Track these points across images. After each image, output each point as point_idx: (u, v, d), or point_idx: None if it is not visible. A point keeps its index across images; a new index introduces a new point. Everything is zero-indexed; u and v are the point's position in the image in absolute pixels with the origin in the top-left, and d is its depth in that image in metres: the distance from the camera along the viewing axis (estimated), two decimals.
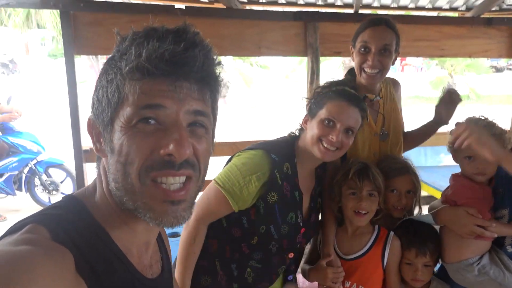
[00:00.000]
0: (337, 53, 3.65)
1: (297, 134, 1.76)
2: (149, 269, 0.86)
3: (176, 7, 3.15)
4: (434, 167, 4.31)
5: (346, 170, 1.75)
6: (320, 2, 3.69)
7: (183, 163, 0.73)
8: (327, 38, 3.49)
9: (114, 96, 0.72)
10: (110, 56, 0.76)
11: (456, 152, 1.72)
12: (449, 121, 1.98)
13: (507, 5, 3.79)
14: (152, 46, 0.69)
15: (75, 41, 3.05)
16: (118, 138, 0.71)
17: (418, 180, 1.87)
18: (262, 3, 3.66)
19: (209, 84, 0.78)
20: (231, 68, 16.01)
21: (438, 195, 3.09)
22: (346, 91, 1.61)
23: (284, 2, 3.66)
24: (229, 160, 1.69)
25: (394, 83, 2.14)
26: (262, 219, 1.61)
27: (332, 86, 1.64)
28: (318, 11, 3.52)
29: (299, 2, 3.69)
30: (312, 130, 1.60)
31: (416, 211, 1.90)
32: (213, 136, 0.84)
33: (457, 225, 1.67)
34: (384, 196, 1.79)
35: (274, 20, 3.37)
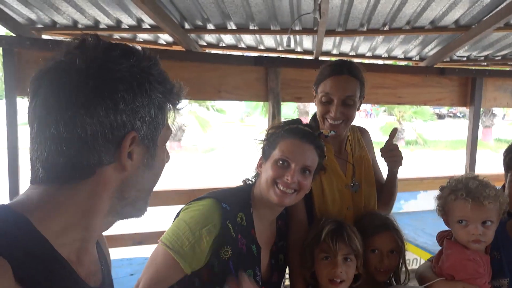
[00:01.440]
0: (298, 98, 3.60)
1: (253, 180, 1.61)
2: (93, 277, 0.83)
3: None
4: (395, 213, 4.27)
5: (318, 230, 1.58)
6: (280, 48, 3.67)
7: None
8: (288, 83, 3.45)
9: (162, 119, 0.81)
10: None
11: (447, 216, 1.56)
12: (401, 164, 1.89)
13: (457, 56, 3.96)
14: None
15: (19, 81, 2.80)
16: (160, 155, 0.84)
17: (402, 238, 1.69)
18: (222, 47, 3.59)
19: None
20: (187, 112, 15.87)
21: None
22: (299, 128, 1.52)
23: (244, 46, 3.62)
24: (177, 215, 1.50)
25: (362, 131, 2.04)
26: (216, 280, 1.42)
27: (285, 125, 1.55)
28: (279, 57, 3.49)
29: (259, 47, 3.66)
30: (266, 172, 1.48)
31: (402, 277, 1.73)
32: None
33: None
34: (365, 257, 1.61)
35: (235, 64, 3.29)
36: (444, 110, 34.89)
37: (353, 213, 1.81)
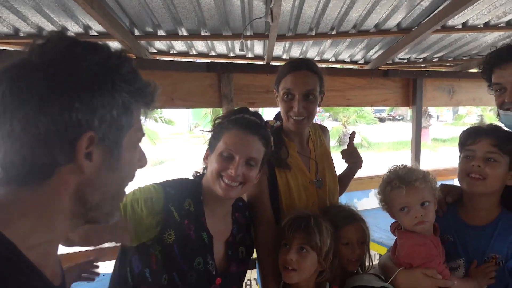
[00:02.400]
0: (251, 103, 3.62)
1: (202, 173, 1.60)
2: (56, 277, 0.81)
3: None
4: None
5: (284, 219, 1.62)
6: (232, 54, 3.69)
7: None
8: (241, 89, 3.47)
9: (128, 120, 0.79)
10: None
11: (389, 207, 1.64)
12: (361, 166, 2.02)
13: (399, 58, 4.19)
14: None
15: None
16: (128, 158, 0.81)
17: (368, 227, 1.75)
18: (173, 54, 3.54)
19: None
20: None
21: None
22: (244, 118, 1.51)
23: (196, 53, 3.60)
24: None
25: (323, 129, 2.09)
26: (163, 267, 1.39)
27: (230, 115, 1.54)
28: (231, 62, 3.50)
29: (211, 54, 3.66)
30: (212, 165, 1.46)
31: (367, 263, 1.78)
32: None
33: None
34: (337, 250, 1.63)
35: (187, 71, 3.26)
36: (384, 113, 36.66)
37: (318, 208, 1.85)
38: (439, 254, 1.57)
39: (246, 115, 1.53)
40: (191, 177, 1.62)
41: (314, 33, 3.11)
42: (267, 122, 1.61)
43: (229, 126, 1.48)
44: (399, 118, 38.37)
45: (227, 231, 1.59)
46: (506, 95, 1.56)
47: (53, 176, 0.71)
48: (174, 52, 3.54)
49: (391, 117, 38.42)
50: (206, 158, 1.54)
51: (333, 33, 3.13)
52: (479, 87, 4.63)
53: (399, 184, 1.56)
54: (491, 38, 3.49)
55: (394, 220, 1.73)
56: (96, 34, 2.95)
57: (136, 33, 2.98)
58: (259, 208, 1.72)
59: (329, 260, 1.57)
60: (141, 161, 0.86)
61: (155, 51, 3.48)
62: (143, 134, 0.85)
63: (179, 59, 3.60)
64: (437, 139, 22.35)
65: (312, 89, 1.76)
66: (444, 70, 4.65)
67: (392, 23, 2.96)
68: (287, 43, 3.41)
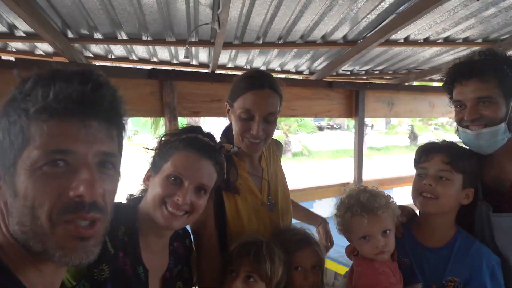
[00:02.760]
0: (195, 113, 3.47)
1: (138, 195, 1.41)
2: None
3: (3, 58, 2.56)
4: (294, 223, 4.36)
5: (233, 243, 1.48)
6: (175, 61, 3.52)
7: (92, 206, 0.74)
8: (184, 97, 3.31)
9: (18, 138, 0.72)
10: (9, 97, 0.75)
11: (348, 234, 1.57)
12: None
13: (342, 70, 4.25)
14: (59, 87, 0.71)
15: None
16: (23, 181, 0.71)
17: (323, 252, 1.64)
18: (111, 59, 3.31)
19: (117, 123, 0.82)
20: None
21: None
22: (198, 139, 1.34)
23: (136, 59, 3.39)
24: None
25: (278, 144, 1.95)
26: None
27: (182, 133, 1.36)
28: (174, 70, 3.33)
29: (152, 60, 3.46)
30: (155, 189, 1.27)
31: None
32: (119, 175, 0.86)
33: None
34: (289, 276, 1.52)
35: (127, 77, 3.03)
36: (323, 122, 37.83)
37: (270, 232, 1.70)
38: (398, 281, 1.51)
39: (200, 136, 1.36)
40: (124, 201, 1.42)
41: (261, 42, 3.04)
42: (222, 145, 1.44)
43: (179, 146, 1.30)
44: (337, 127, 39.83)
45: (164, 265, 1.39)
46: (466, 112, 1.54)
47: None
48: (112, 57, 3.31)
49: (329, 126, 39.75)
50: (147, 179, 1.35)
51: (280, 42, 3.07)
52: (415, 99, 4.85)
53: (361, 212, 1.48)
54: (429, 53, 3.63)
55: (338, 234, 1.66)
56: (23, 34, 2.66)
57: (70, 35, 2.73)
58: (203, 236, 1.55)
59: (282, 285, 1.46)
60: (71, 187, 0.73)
61: (91, 55, 3.23)
62: (43, 152, 0.71)
63: (117, 64, 3.37)
64: (372, 148, 23.38)
65: (274, 111, 1.60)
66: (384, 82, 4.80)
67: (338, 35, 2.96)
68: (233, 51, 3.31)
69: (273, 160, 1.86)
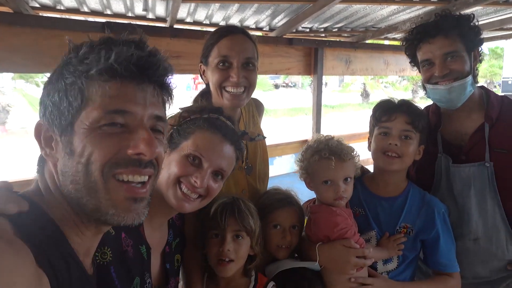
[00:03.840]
0: None
1: None
2: (89, 268, 0.89)
3: None
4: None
5: (209, 206, 1.42)
6: (130, 14, 3.33)
7: (148, 163, 0.81)
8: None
9: (76, 98, 0.75)
10: (63, 61, 0.79)
11: (311, 177, 1.62)
12: None
13: (302, 27, 4.22)
14: (120, 50, 0.77)
15: None
16: (81, 140, 0.75)
17: (303, 213, 1.67)
18: (60, 10, 3.07)
19: (167, 90, 0.88)
20: (10, 89, 13.61)
21: None
22: (222, 122, 1.28)
23: (87, 11, 3.17)
24: None
25: (258, 105, 1.90)
26: None
27: (204, 112, 1.30)
28: (130, 23, 3.17)
29: (106, 12, 3.26)
30: (170, 166, 1.21)
31: None
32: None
33: (340, 264, 1.50)
34: (266, 233, 1.55)
35: (79, 31, 2.85)
36: (279, 80, 37.92)
37: (249, 195, 1.71)
38: (354, 224, 1.61)
39: (223, 118, 1.30)
40: None
41: None
42: (246, 133, 1.39)
43: (203, 126, 1.24)
44: (292, 85, 40.13)
45: (163, 239, 1.36)
46: (436, 69, 1.61)
47: (46, 168, 0.84)
48: (61, 8, 3.07)
49: (284, 84, 39.96)
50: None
51: None
52: (371, 57, 4.96)
53: (329, 156, 1.54)
54: (386, 11, 3.67)
55: (299, 189, 1.72)
56: None
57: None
58: None
59: (260, 244, 1.49)
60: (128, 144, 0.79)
61: (38, 5, 2.98)
62: (103, 112, 0.77)
63: (67, 16, 3.15)
64: (326, 106, 23.85)
65: (252, 57, 1.56)
66: (343, 40, 4.83)
67: None
68: (192, 5, 3.18)
69: (253, 123, 1.83)
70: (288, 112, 21.06)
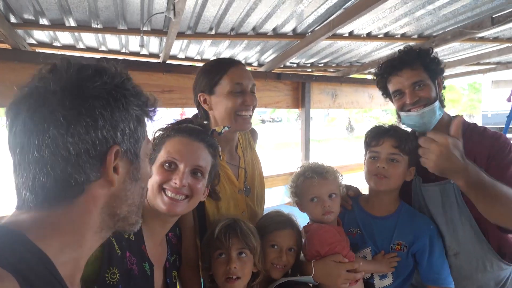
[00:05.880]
0: None
1: None
2: None
3: None
4: None
5: (213, 229, 1.51)
6: (124, 50, 3.45)
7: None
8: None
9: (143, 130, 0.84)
10: (133, 91, 0.82)
11: (300, 198, 1.73)
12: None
13: (290, 62, 4.39)
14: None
15: None
16: (145, 168, 0.87)
17: (301, 237, 1.73)
18: (57, 47, 3.17)
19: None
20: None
21: None
22: (188, 126, 1.40)
23: (83, 47, 3.28)
24: None
25: (252, 132, 2.00)
26: None
27: (173, 125, 1.43)
28: (124, 59, 3.27)
29: (101, 49, 3.37)
30: (152, 178, 1.30)
31: None
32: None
33: (332, 278, 1.57)
34: (263, 252, 1.60)
35: None
36: (266, 115, 38.39)
37: (248, 217, 1.77)
38: (344, 240, 1.69)
39: (190, 124, 1.41)
40: None
41: (214, 32, 3.07)
42: (213, 130, 1.48)
43: (171, 134, 1.35)
44: (278, 120, 40.62)
45: (164, 255, 1.43)
46: (406, 98, 1.74)
47: (84, 193, 0.75)
48: (58, 44, 3.17)
49: (271, 119, 40.45)
50: None
51: (232, 33, 3.13)
52: (357, 91, 5.14)
53: (312, 175, 1.68)
54: (370, 47, 3.87)
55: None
56: None
57: (13, 20, 2.59)
58: (181, 218, 1.57)
59: (261, 261, 1.55)
60: (151, 172, 0.94)
61: (35, 42, 3.08)
62: (152, 145, 0.93)
63: (63, 52, 3.24)
64: (313, 140, 24.14)
65: (254, 83, 1.73)
66: (328, 75, 5.02)
67: (288, 27, 3.07)
68: (185, 41, 3.32)
69: (250, 149, 1.93)
70: (276, 146, 21.24)
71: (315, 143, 22.86)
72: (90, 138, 0.72)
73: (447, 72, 5.17)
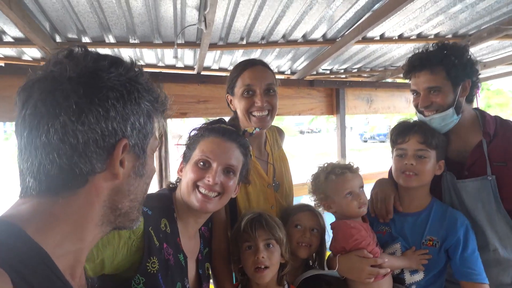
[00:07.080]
0: (183, 114, 3.56)
1: (176, 184, 1.53)
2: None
3: None
4: None
5: (239, 223, 1.60)
6: (161, 64, 3.61)
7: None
8: (171, 99, 3.37)
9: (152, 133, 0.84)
10: (150, 93, 0.83)
11: (332, 198, 1.71)
12: None
13: (322, 69, 4.41)
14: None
15: None
16: (150, 164, 0.86)
17: (323, 221, 1.80)
18: None
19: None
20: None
21: None
22: (219, 126, 1.48)
23: None
24: None
25: (279, 131, 2.09)
26: None
27: (207, 125, 1.51)
28: (161, 72, 3.42)
29: (139, 63, 3.53)
30: (187, 176, 1.39)
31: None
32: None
33: (355, 272, 1.62)
34: (288, 233, 1.68)
35: None
36: (304, 127, 38.25)
37: (276, 211, 1.85)
38: (369, 236, 1.70)
39: (223, 125, 1.50)
40: (158, 189, 1.54)
41: (245, 42, 3.16)
42: (245, 131, 1.56)
43: (205, 134, 1.43)
44: (317, 131, 40.34)
45: (197, 248, 1.52)
46: (419, 100, 1.75)
47: (87, 184, 0.74)
48: None
49: (309, 130, 40.26)
50: (180, 170, 1.47)
51: (263, 42, 3.20)
52: (393, 96, 5.05)
53: (343, 171, 1.69)
54: (404, 50, 3.82)
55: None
56: (11, 40, 2.70)
57: (58, 39, 2.79)
58: (216, 221, 1.68)
59: (288, 251, 1.60)
60: (155, 168, 0.91)
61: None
62: (159, 143, 0.89)
63: None
64: (353, 149, 23.76)
65: (272, 83, 1.77)
66: (362, 80, 4.98)
67: (318, 33, 3.10)
68: (218, 52, 3.42)
69: (277, 146, 2.01)
70: (316, 156, 21.10)
71: (355, 152, 22.53)
72: (100, 128, 0.71)
73: (487, 72, 4.99)
